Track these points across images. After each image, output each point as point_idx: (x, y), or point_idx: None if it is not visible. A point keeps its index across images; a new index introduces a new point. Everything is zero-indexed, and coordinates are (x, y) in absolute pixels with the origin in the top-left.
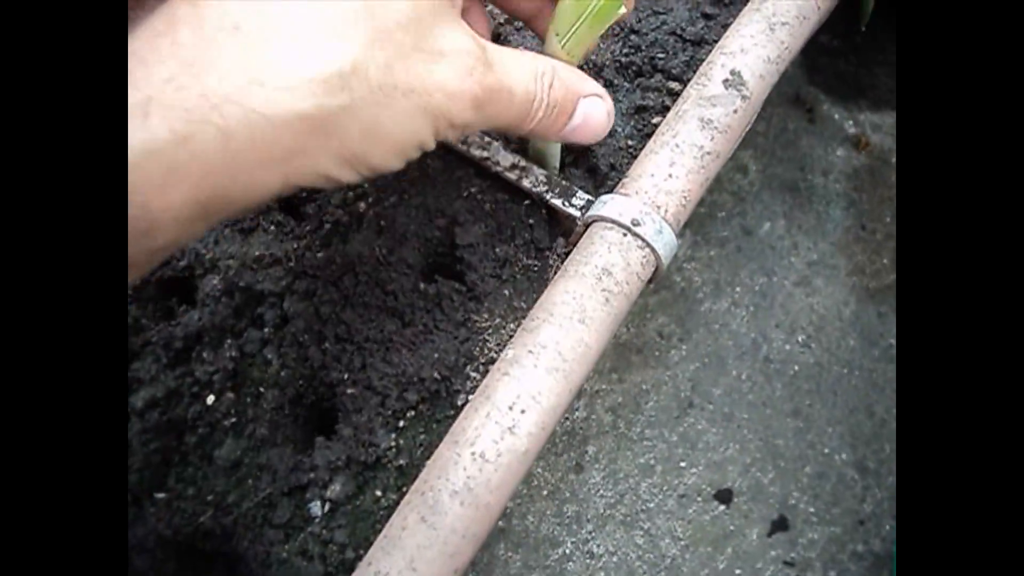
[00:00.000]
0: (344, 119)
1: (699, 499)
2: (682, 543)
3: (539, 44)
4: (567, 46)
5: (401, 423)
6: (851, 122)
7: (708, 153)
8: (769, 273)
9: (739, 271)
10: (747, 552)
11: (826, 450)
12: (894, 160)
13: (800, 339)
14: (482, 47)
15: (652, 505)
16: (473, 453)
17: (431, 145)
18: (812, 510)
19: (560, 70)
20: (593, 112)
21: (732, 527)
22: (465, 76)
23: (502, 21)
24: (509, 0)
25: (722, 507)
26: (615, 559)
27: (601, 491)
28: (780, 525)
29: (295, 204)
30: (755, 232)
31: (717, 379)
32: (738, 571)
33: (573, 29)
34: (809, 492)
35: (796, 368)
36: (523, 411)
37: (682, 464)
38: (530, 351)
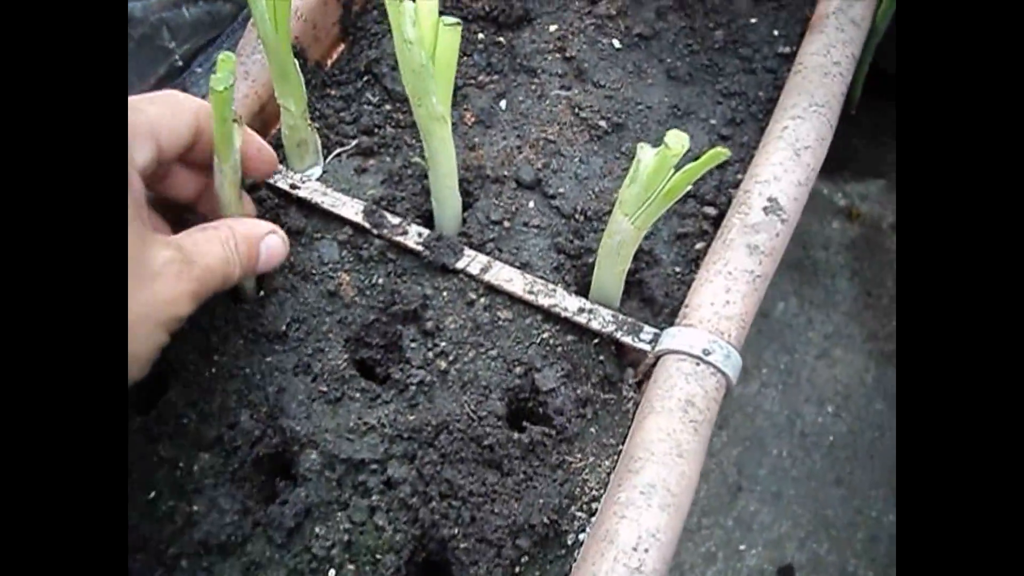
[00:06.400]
0: None
1: None
2: None
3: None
4: (637, 223)
5: (517, 569)
6: (840, 194)
7: (758, 276)
8: (790, 351)
9: (763, 352)
10: None
11: (873, 513)
12: (885, 225)
13: (830, 409)
14: (179, 247)
15: None
16: None
17: (167, 342)
18: (871, 574)
19: (237, 227)
20: (273, 246)
21: None
22: (177, 282)
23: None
24: (169, 189)
25: None
26: None
27: None
28: None
29: (374, 369)
30: (771, 314)
31: (760, 460)
32: None
33: (643, 208)
34: (865, 557)
35: (831, 438)
36: (647, 550)
37: (741, 547)
38: (641, 492)
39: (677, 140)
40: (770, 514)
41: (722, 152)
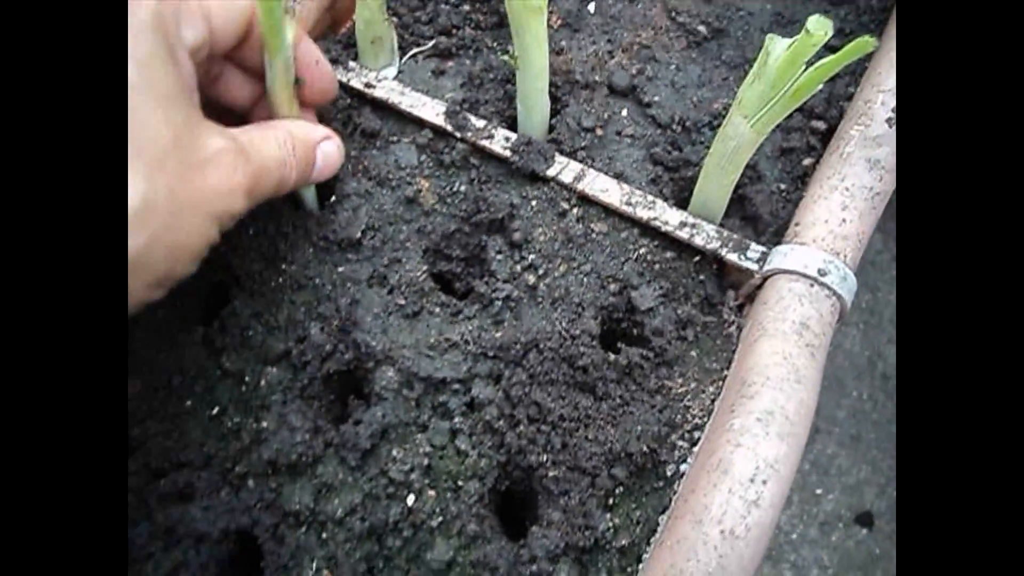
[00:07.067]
0: (147, 252)
1: (840, 525)
2: (830, 572)
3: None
4: (756, 126)
5: (611, 501)
6: None
7: (877, 194)
8: (873, 289)
9: None
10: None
11: None
12: None
13: None
14: (234, 138)
15: (795, 536)
16: (723, 531)
17: (217, 240)
18: None
19: (294, 129)
20: (329, 152)
21: (878, 550)
22: (232, 173)
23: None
24: (222, 92)
25: (864, 531)
26: None
27: None
28: None
29: (452, 284)
30: None
31: (839, 401)
32: None
33: (766, 108)
34: None
35: None
36: (764, 481)
37: (818, 491)
38: (758, 419)
39: (820, 26)
40: (849, 458)
41: (869, 41)
